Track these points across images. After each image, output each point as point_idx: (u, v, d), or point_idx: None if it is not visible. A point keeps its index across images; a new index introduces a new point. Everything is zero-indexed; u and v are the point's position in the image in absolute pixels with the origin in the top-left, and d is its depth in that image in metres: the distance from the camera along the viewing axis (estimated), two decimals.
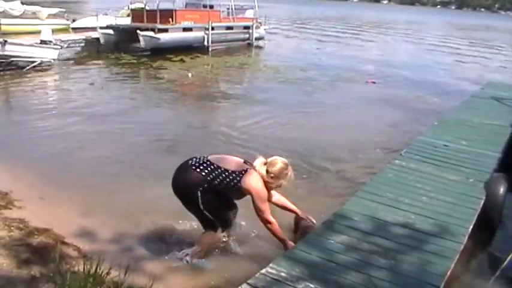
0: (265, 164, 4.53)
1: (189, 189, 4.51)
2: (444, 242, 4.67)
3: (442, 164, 6.76)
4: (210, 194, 4.49)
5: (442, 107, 11.64)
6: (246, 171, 4.49)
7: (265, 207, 4.56)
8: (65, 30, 21.88)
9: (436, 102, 12.75)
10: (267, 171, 4.50)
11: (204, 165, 4.50)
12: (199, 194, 4.47)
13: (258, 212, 4.55)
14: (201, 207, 4.52)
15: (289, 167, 4.61)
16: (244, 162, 4.63)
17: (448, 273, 4.20)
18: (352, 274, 4.05)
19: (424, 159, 6.91)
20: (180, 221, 5.52)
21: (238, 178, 4.46)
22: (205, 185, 4.46)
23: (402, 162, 6.74)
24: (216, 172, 4.47)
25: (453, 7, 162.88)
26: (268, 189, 4.62)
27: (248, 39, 23.31)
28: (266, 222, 4.61)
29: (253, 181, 4.47)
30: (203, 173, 4.46)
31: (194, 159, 4.61)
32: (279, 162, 4.55)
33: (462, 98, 12.10)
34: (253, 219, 4.76)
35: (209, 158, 4.59)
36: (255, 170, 4.51)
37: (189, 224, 5.34)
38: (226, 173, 4.47)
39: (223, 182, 4.47)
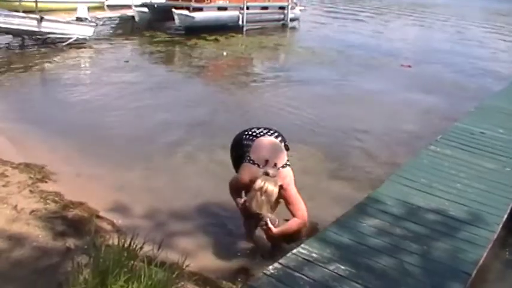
0: (267, 174, 4.26)
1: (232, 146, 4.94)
2: (477, 230, 4.65)
3: (478, 151, 6.69)
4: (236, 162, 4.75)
5: (479, 93, 11.40)
6: (254, 163, 4.43)
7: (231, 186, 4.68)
8: (99, 7, 22.01)
9: (474, 89, 12.48)
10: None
11: (247, 141, 4.66)
12: (233, 154, 4.87)
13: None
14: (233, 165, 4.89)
15: (256, 195, 4.16)
16: (268, 161, 4.42)
17: (481, 261, 4.17)
18: (383, 258, 4.06)
19: (460, 145, 6.83)
20: (213, 199, 5.58)
21: (246, 160, 4.53)
22: (234, 154, 4.83)
23: (437, 148, 6.67)
24: (245, 152, 4.60)
25: None
26: None
27: (283, 19, 23.06)
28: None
29: (245, 170, 4.46)
30: (244, 142, 4.68)
31: (249, 132, 4.75)
32: (259, 182, 4.17)
33: (501, 85, 11.87)
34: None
35: (254, 142, 4.60)
36: (260, 173, 4.33)
37: (221, 201, 5.39)
38: (248, 157, 4.52)
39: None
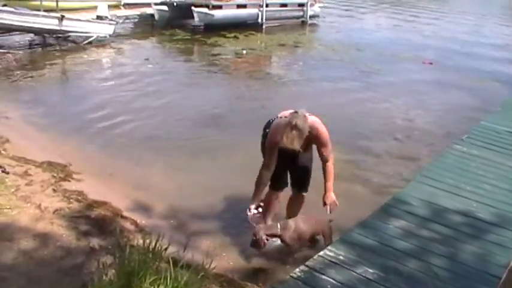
0: (297, 112, 4.33)
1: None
2: (506, 232, 4.56)
3: (505, 150, 6.57)
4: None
5: (505, 91, 11.21)
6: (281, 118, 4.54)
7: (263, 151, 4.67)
8: (116, 6, 21.98)
9: (498, 87, 12.23)
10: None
11: (272, 120, 4.69)
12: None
13: None
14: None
15: (287, 130, 4.20)
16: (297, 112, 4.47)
17: (510, 264, 4.09)
18: (410, 260, 4.01)
19: (486, 145, 6.71)
20: (236, 198, 5.58)
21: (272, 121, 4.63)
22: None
23: (463, 148, 6.56)
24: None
25: None
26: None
27: (302, 17, 22.92)
28: None
29: (273, 128, 4.51)
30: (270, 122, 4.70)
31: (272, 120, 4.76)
32: (290, 118, 4.27)
33: None
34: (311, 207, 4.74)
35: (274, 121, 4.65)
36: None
37: (244, 199, 5.36)
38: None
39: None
